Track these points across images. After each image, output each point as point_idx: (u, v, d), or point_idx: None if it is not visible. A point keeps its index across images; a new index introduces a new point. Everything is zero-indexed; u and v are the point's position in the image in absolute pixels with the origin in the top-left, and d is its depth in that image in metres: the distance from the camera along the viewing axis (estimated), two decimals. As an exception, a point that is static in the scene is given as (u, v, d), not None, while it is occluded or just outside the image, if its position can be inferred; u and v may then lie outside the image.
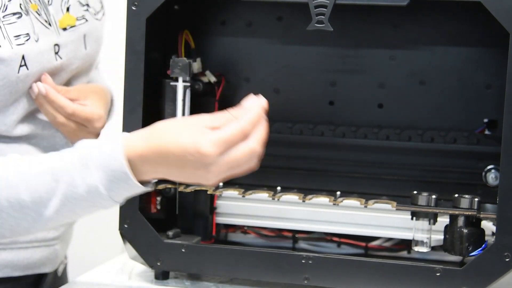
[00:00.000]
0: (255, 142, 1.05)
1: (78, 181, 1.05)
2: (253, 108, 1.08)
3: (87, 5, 1.37)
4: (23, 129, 1.27)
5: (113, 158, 1.05)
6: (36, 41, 1.24)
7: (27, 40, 1.23)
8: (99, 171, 1.05)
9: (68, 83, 1.35)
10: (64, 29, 1.31)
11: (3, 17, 1.20)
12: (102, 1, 1.42)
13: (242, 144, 1.04)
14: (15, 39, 1.21)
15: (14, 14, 1.22)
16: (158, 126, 1.08)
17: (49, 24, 1.28)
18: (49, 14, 1.28)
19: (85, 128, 1.30)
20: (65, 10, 1.32)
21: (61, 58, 1.29)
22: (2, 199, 1.07)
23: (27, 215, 1.07)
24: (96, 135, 1.33)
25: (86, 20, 1.36)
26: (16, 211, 1.07)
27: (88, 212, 1.09)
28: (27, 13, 1.24)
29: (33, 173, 1.08)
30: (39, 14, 1.26)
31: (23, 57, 1.22)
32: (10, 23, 1.21)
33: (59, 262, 1.45)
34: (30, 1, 1.25)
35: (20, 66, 1.21)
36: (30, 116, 1.28)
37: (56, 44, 1.28)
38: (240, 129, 1.04)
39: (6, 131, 1.25)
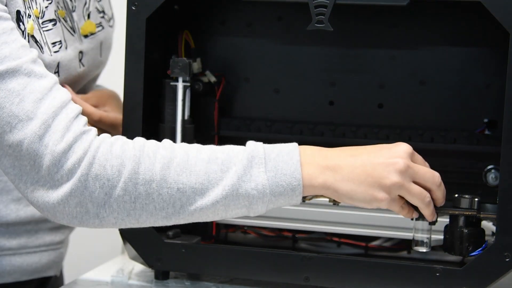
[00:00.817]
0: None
1: (247, 176, 1.04)
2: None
3: (103, 11, 1.38)
4: None
5: (288, 163, 1.05)
6: (66, 48, 1.24)
7: (60, 47, 1.23)
8: (271, 172, 1.04)
9: (81, 91, 1.35)
10: (86, 36, 1.32)
11: (42, 23, 1.19)
12: (112, 7, 1.42)
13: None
14: (52, 46, 1.21)
15: (50, 21, 1.22)
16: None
17: (74, 31, 1.28)
18: (73, 20, 1.29)
19: (108, 134, 1.31)
20: (86, 17, 1.32)
21: (83, 65, 1.30)
22: (160, 179, 1.04)
23: (177, 201, 1.05)
24: None
25: (103, 28, 1.37)
26: (168, 194, 1.04)
27: (232, 214, 1.06)
28: (60, 20, 1.24)
29: (200, 159, 1.05)
30: (65, 21, 1.26)
31: (58, 65, 1.22)
32: (48, 30, 1.21)
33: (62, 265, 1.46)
34: (59, 7, 1.24)
35: (54, 73, 1.22)
36: None
37: (81, 52, 1.29)
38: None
39: None
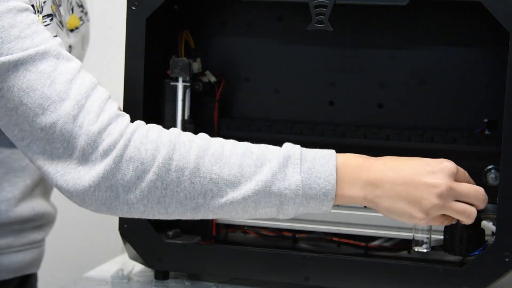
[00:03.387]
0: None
1: (282, 174, 1.03)
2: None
3: (82, 6, 1.38)
4: None
5: (324, 166, 1.04)
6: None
7: None
8: (306, 174, 1.03)
9: None
10: (71, 30, 1.31)
11: (42, 18, 1.20)
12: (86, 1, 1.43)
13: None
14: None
15: (48, 16, 1.22)
16: None
17: (62, 26, 1.28)
18: (61, 15, 1.29)
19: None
20: (71, 11, 1.32)
21: None
22: (194, 167, 1.03)
23: (208, 192, 1.03)
24: None
25: (83, 22, 1.37)
26: (200, 184, 1.03)
27: (262, 213, 1.05)
28: (55, 15, 1.24)
29: (235, 152, 1.05)
30: (55, 16, 1.26)
31: None
32: (47, 25, 1.21)
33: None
34: (53, 2, 1.25)
35: None
36: None
37: (70, 46, 1.29)
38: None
39: None
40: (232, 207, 1.04)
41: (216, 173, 1.02)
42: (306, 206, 1.04)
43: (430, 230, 1.19)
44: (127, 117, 1.05)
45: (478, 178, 1.26)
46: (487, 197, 1.09)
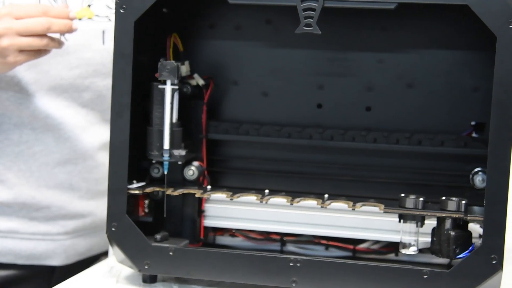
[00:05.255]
0: None
1: None
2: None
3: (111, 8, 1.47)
4: None
5: None
6: None
7: None
8: None
9: None
10: (79, 19, 1.41)
11: None
12: None
13: None
14: None
15: None
16: None
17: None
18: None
19: None
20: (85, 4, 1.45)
21: None
22: None
23: None
24: None
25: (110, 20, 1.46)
26: None
27: None
28: None
29: None
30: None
31: None
32: None
33: (72, 257, 1.53)
34: None
35: None
36: None
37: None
38: None
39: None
40: None
41: None
42: None
43: (417, 233, 1.20)
44: None
45: (465, 180, 1.26)
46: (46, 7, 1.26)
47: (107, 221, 1.22)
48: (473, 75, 1.27)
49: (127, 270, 1.29)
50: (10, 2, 1.36)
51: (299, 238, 1.34)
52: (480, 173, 1.25)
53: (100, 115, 1.51)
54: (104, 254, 1.58)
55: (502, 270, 1.09)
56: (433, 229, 1.18)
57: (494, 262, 1.09)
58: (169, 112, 1.24)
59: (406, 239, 1.20)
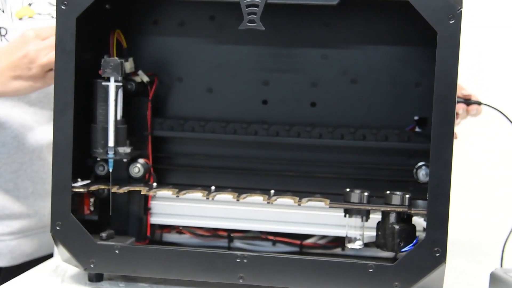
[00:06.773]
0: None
1: None
2: None
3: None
4: None
5: None
6: None
7: None
8: None
9: None
10: (20, 18, 1.41)
11: None
12: None
13: None
14: None
15: None
16: None
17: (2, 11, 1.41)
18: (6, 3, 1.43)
19: None
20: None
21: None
22: None
23: None
24: None
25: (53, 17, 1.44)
26: None
27: None
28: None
29: None
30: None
31: None
32: None
33: (18, 257, 1.51)
34: None
35: None
36: None
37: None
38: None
39: None
40: None
41: None
42: None
43: (363, 227, 1.21)
44: None
45: (409, 175, 1.28)
46: None
47: (51, 219, 1.20)
48: (415, 71, 1.28)
49: (73, 269, 1.28)
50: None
51: (246, 234, 1.34)
52: (423, 167, 1.26)
53: (49, 114, 1.50)
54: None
55: (445, 262, 1.11)
56: (378, 223, 1.19)
57: (437, 255, 1.11)
58: (113, 109, 1.23)
59: (351, 233, 1.21)
